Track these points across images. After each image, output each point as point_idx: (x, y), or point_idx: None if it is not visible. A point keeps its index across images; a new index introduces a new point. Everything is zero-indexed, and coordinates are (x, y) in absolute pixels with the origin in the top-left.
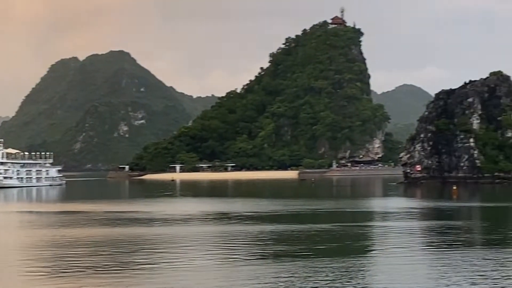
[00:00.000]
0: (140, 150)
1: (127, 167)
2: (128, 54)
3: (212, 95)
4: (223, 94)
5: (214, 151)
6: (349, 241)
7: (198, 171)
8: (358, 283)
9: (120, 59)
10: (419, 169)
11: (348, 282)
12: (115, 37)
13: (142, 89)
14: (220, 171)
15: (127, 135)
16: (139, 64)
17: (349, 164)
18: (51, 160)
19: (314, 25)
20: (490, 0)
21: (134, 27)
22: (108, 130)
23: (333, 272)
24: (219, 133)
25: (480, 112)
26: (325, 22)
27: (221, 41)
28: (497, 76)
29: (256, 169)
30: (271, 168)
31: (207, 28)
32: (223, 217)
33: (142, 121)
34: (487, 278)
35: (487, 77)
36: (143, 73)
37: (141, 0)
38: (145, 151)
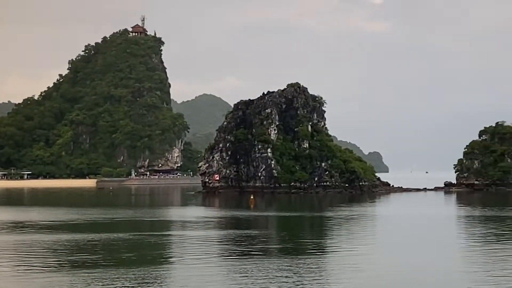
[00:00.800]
0: None
1: None
2: None
3: (9, 101)
4: (20, 101)
5: (10, 158)
6: (146, 250)
7: None
8: None
9: None
10: (217, 178)
11: None
12: None
13: None
14: (16, 179)
15: None
16: None
17: (147, 173)
18: None
19: (114, 33)
20: (286, 12)
21: None
22: None
23: (129, 282)
24: (15, 140)
25: (277, 123)
26: (125, 30)
27: (18, 46)
28: (295, 87)
29: (54, 177)
30: (68, 176)
31: (3, 32)
32: (17, 226)
33: None
34: (281, 287)
35: (285, 89)
36: None
37: None
38: None
